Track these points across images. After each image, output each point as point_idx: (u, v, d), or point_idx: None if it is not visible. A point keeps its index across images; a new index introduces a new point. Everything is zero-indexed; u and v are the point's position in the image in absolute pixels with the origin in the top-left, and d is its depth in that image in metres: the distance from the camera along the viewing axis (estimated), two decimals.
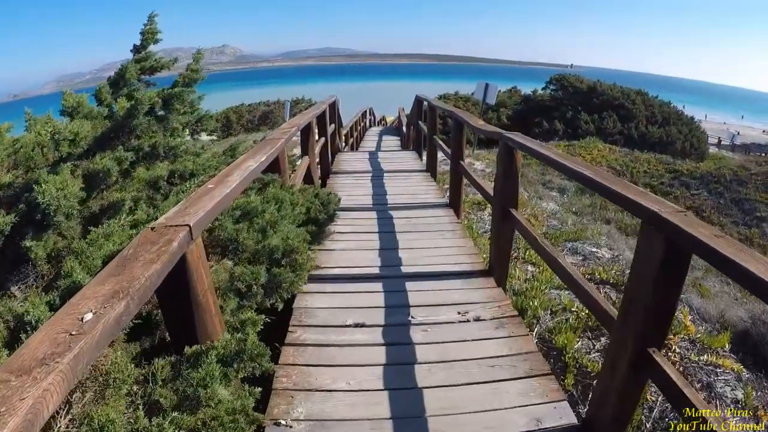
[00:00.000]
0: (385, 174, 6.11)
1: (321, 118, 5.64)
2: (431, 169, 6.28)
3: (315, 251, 3.01)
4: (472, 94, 16.07)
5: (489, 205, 4.63)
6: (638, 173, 10.94)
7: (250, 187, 2.46)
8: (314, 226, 2.77)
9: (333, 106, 6.90)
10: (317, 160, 5.26)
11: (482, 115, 12.12)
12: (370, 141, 13.61)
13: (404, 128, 10.95)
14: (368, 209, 4.61)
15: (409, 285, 2.94)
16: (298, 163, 4.48)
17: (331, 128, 6.51)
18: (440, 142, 5.79)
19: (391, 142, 13.19)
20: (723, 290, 4.86)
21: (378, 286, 2.94)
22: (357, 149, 12.16)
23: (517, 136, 2.78)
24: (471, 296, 2.83)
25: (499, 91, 11.50)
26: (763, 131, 46.78)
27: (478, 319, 2.57)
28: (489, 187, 3.52)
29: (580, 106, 15.50)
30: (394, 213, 4.42)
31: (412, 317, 2.56)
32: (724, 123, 52.21)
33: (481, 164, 9.85)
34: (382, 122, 24.96)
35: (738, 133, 34.14)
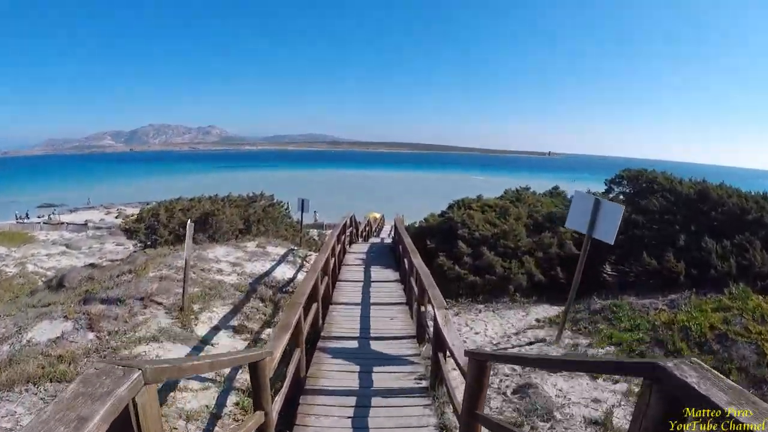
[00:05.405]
0: None
1: None
2: None
3: None
4: (562, 219, 7.20)
5: None
6: None
7: None
8: None
9: None
10: None
11: (583, 259, 6.00)
12: (349, 302, 7.29)
13: (422, 308, 4.46)
14: None
15: None
16: None
17: None
18: None
19: (392, 309, 6.93)
20: None
21: None
22: (321, 331, 5.78)
23: None
24: None
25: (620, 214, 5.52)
26: None
27: None
28: None
29: (692, 224, 9.59)
30: None
31: None
32: None
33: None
34: (366, 227, 19.01)
35: None
